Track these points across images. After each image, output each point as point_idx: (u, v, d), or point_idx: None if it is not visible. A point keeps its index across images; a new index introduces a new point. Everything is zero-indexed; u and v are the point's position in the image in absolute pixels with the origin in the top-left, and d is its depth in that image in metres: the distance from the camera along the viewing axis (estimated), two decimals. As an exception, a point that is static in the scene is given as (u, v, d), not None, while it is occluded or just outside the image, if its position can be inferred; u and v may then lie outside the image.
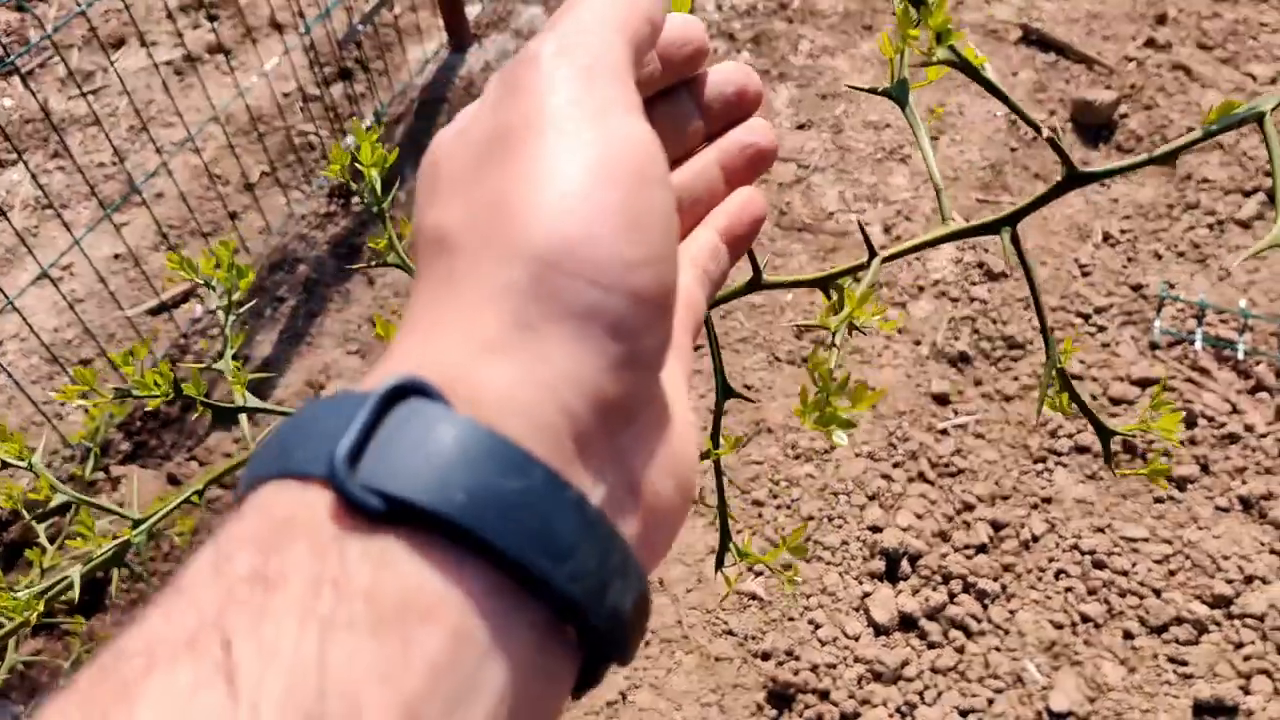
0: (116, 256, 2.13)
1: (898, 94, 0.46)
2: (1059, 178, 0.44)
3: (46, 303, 2.06)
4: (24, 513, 0.78)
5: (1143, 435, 1.51)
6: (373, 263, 0.66)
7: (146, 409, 1.89)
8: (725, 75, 0.40)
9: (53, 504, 0.60)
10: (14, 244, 2.18)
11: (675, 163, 0.41)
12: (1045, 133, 0.39)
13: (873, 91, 0.50)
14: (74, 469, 1.77)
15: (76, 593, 0.68)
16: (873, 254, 0.45)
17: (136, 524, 0.60)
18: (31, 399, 1.76)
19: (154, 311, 2.04)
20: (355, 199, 2.17)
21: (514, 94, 0.29)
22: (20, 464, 0.68)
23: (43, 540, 0.76)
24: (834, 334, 0.43)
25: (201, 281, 0.67)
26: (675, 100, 0.40)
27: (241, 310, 0.69)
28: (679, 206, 0.41)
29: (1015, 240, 0.43)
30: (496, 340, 0.25)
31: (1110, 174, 0.40)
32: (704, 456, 0.41)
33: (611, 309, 0.26)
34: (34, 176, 1.74)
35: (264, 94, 2.37)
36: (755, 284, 0.50)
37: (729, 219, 0.41)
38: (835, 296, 0.49)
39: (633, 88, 0.30)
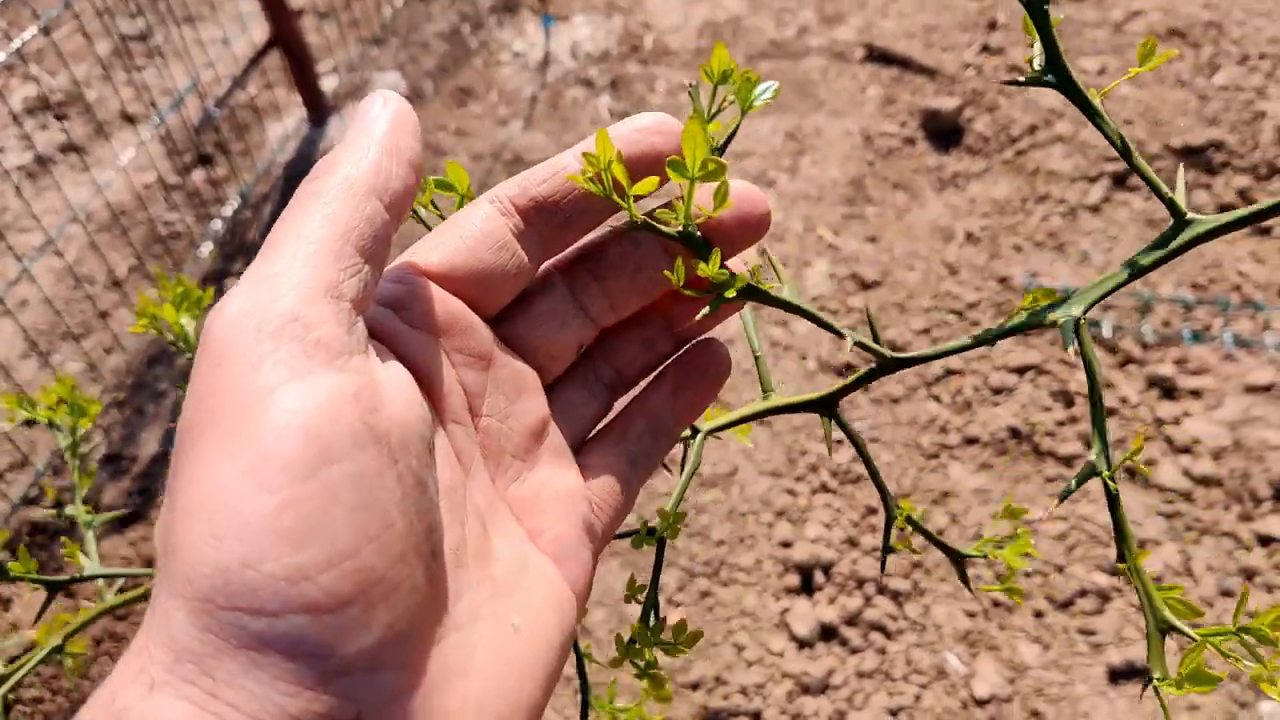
0: (-18, 371, 2.04)
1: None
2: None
3: (-90, 428, 1.96)
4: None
5: (1025, 420, 1.54)
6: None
7: (32, 520, 1.81)
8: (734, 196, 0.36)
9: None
10: None
11: (629, 318, 0.39)
12: (849, 345, 0.39)
13: None
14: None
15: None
16: (695, 430, 0.45)
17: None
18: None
19: (30, 422, 1.95)
20: (228, 282, 2.13)
21: (190, 385, 0.27)
22: None
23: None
24: (661, 533, 0.44)
25: (44, 421, 0.65)
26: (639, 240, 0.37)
27: (90, 454, 0.67)
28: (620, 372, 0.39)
29: (838, 418, 0.43)
30: (166, 678, 0.24)
31: (923, 360, 0.40)
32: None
33: (284, 633, 0.24)
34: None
35: (123, 188, 2.32)
36: None
37: (676, 379, 0.39)
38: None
39: (329, 328, 0.27)
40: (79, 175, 2.41)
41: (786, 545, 1.57)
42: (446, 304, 0.33)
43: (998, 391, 1.72)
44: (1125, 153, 0.36)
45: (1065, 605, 1.48)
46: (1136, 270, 0.37)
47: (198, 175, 2.34)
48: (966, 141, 2.14)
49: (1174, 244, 0.36)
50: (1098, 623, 1.46)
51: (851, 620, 1.48)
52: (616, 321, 0.38)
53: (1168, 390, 1.70)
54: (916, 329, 1.83)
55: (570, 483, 0.36)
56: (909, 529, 0.47)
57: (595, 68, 2.47)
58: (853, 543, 1.57)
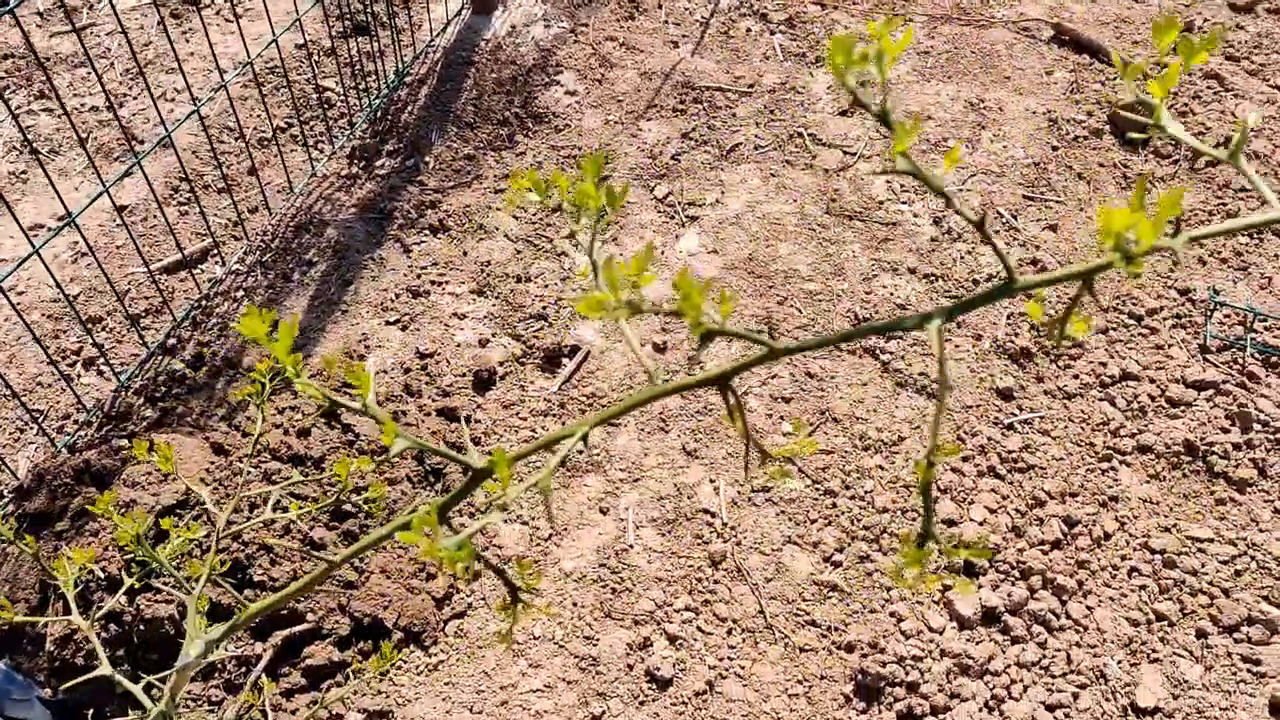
0: (122, 209, 1.98)
1: None
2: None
3: (45, 255, 1.90)
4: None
5: (1201, 439, 1.48)
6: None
7: (171, 370, 1.76)
8: None
9: None
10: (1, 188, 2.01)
11: None
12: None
13: None
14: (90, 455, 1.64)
15: None
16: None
17: None
18: (50, 357, 1.62)
19: (169, 269, 1.90)
20: (380, 161, 2.07)
21: None
22: None
23: None
24: None
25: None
26: None
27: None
28: None
29: (731, 390, 0.45)
30: None
31: (805, 348, 0.43)
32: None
33: None
34: (16, 118, 1.60)
35: (275, 44, 2.24)
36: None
37: None
38: None
39: None
40: (225, 24, 2.33)
41: (951, 524, 1.53)
42: None
43: (1175, 404, 1.68)
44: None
45: (1230, 630, 1.46)
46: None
47: (353, 45, 2.26)
48: (1155, 143, 2.07)
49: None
50: (1263, 653, 1.43)
51: (1015, 609, 1.45)
52: None
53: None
54: (1094, 329, 1.78)
55: None
56: None
57: (771, 2, 2.39)
58: (1019, 532, 1.53)
